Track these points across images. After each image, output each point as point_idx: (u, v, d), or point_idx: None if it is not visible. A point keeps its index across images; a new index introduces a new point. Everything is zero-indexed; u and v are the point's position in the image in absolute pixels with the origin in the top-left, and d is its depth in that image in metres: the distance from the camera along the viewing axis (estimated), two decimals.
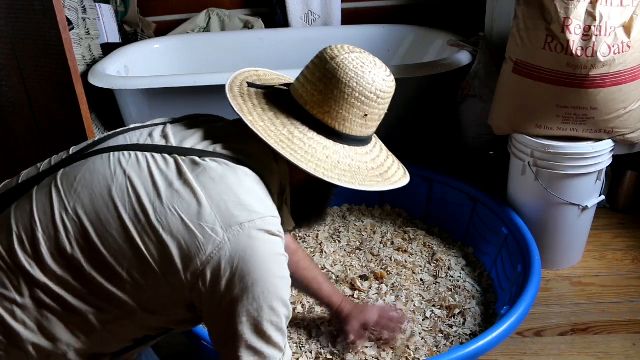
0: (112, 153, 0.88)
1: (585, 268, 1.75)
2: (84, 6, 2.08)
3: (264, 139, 0.87)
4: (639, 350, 1.43)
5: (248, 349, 0.82)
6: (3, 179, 0.96)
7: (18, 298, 0.81)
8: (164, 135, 0.91)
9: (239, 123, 0.92)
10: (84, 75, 1.91)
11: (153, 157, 0.86)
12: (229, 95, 0.94)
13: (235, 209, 0.81)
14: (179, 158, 0.85)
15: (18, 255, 0.81)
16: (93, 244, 0.81)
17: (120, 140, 0.92)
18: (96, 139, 0.95)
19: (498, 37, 1.95)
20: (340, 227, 1.87)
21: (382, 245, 1.76)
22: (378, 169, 0.97)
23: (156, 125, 0.96)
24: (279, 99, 0.96)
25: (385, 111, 0.96)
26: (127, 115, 2.04)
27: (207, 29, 2.55)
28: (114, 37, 2.32)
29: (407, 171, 1.02)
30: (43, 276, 0.81)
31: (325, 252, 1.72)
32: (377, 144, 1.02)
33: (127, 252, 0.80)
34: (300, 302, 1.48)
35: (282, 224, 0.88)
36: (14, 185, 0.92)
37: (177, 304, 0.85)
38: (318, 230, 1.84)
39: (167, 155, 0.86)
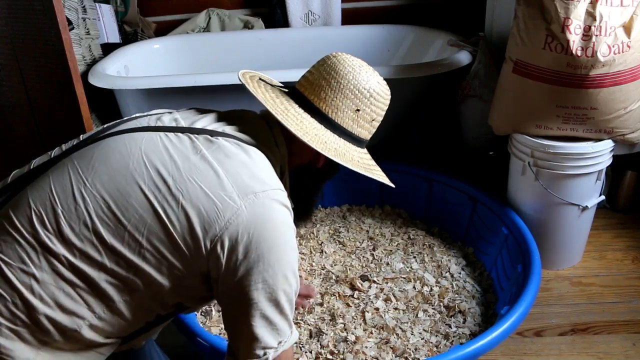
0: (124, 134, 0.92)
1: (585, 268, 1.75)
2: (84, 6, 2.08)
3: (281, 120, 0.94)
4: (639, 350, 1.43)
5: (262, 317, 0.85)
6: (3, 179, 0.96)
7: (37, 272, 0.83)
8: (174, 119, 0.96)
9: (241, 111, 1.01)
10: (84, 75, 1.91)
11: (166, 135, 0.91)
12: (241, 78, 1.02)
13: (250, 180, 0.87)
14: (192, 135, 0.90)
15: (38, 231, 0.84)
16: (114, 214, 0.84)
17: (130, 124, 0.96)
18: (105, 125, 0.98)
19: (498, 37, 1.95)
20: (340, 227, 1.87)
21: (382, 246, 1.76)
22: (363, 162, 1.01)
23: (163, 112, 1.00)
24: (282, 91, 1.04)
25: (378, 117, 1.03)
26: (127, 115, 2.03)
27: (207, 29, 2.55)
28: (114, 37, 2.32)
29: (391, 184, 1.06)
30: (63, 249, 0.83)
31: (325, 252, 1.72)
32: (367, 153, 1.07)
33: (148, 220, 0.83)
34: (301, 304, 1.48)
35: None
36: (26, 171, 0.94)
37: (193, 274, 0.87)
38: (318, 230, 1.85)
39: (179, 134, 0.91)
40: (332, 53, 1.02)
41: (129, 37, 2.45)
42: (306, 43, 2.42)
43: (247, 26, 2.54)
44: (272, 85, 1.07)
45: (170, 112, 1.00)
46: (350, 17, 2.55)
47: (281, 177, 0.97)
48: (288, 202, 0.91)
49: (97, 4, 2.19)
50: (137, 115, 1.01)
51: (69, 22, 1.91)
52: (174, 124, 0.94)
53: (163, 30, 2.58)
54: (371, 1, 2.55)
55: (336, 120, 0.98)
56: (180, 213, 0.83)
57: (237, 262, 0.84)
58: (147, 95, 1.91)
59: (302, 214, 1.11)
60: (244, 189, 0.85)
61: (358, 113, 0.99)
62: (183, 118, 0.96)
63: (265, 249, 0.84)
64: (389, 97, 1.04)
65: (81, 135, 0.98)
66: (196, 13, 2.55)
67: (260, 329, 0.85)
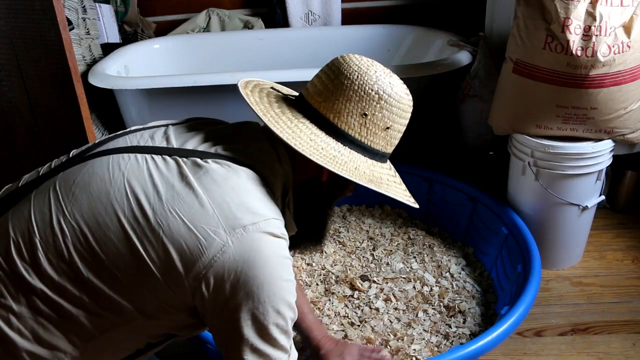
0: (111, 156, 0.86)
1: (585, 268, 1.75)
2: (84, 6, 2.08)
3: (267, 123, 0.87)
4: (639, 350, 1.43)
5: (253, 351, 0.81)
6: (3, 179, 0.96)
7: (14, 305, 0.79)
8: (166, 137, 0.90)
9: (242, 125, 0.93)
10: (84, 75, 1.91)
11: (153, 158, 0.84)
12: (239, 85, 0.95)
13: (239, 211, 0.79)
14: (179, 160, 0.84)
15: (15, 262, 0.80)
16: (92, 248, 0.79)
17: (121, 142, 0.91)
18: (97, 141, 0.94)
19: (498, 37, 1.95)
20: (340, 227, 1.87)
21: (382, 246, 1.76)
22: (372, 174, 0.91)
23: (158, 127, 0.94)
24: (288, 98, 0.97)
25: (395, 125, 0.92)
26: (127, 116, 2.04)
27: (207, 29, 2.55)
28: (114, 37, 2.32)
29: (415, 203, 0.97)
30: (40, 283, 0.79)
31: (325, 252, 1.72)
32: (391, 169, 0.99)
33: (127, 256, 0.78)
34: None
35: (285, 227, 0.87)
36: (13, 189, 0.90)
37: (178, 309, 0.83)
38: None
39: (167, 157, 0.85)
40: (341, 55, 0.92)
41: (129, 37, 2.45)
42: (306, 43, 2.43)
43: (247, 26, 2.54)
44: (282, 93, 0.98)
45: (166, 126, 0.94)
46: (350, 17, 2.55)
47: (284, 197, 0.90)
48: (283, 231, 0.83)
49: (97, 4, 2.19)
50: (133, 128, 0.96)
51: (69, 22, 1.91)
52: (164, 144, 0.88)
53: (163, 30, 2.59)
54: (371, 1, 2.56)
55: (340, 127, 0.88)
56: (160, 249, 0.77)
57: (224, 300, 0.78)
58: (147, 95, 1.91)
59: (312, 236, 1.03)
60: (231, 221, 0.78)
61: (366, 118, 0.88)
62: (176, 136, 0.89)
63: (254, 287, 0.78)
64: (408, 101, 0.92)
65: (72, 152, 0.94)
66: (196, 13, 2.56)
67: None
